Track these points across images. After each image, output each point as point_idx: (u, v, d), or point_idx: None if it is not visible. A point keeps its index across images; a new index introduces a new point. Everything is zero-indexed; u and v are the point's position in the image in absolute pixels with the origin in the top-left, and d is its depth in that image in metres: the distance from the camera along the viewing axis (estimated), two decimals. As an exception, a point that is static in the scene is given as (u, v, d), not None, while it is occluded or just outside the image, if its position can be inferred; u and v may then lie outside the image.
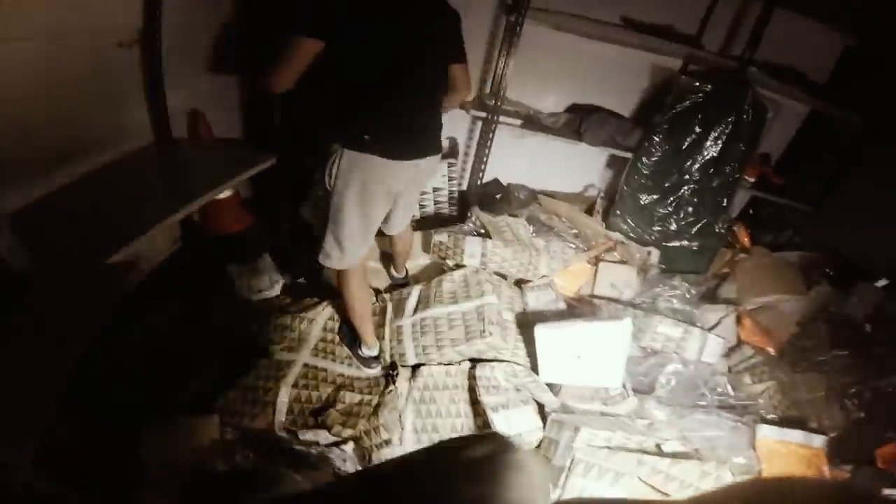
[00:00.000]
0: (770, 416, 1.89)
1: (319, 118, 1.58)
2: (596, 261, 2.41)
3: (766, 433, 1.77)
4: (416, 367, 1.80)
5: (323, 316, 1.93)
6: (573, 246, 2.39)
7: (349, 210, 1.49)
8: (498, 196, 2.63)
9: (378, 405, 1.65)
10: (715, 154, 2.40)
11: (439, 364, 1.80)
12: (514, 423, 1.62)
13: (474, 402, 1.68)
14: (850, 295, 2.42)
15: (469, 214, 2.30)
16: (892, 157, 2.46)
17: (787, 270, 2.64)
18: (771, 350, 2.30)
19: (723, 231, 2.56)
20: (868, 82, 2.37)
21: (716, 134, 2.37)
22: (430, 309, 1.94)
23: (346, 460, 1.48)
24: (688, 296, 2.32)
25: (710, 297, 2.50)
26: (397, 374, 1.78)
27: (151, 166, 1.84)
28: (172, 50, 1.77)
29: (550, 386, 1.78)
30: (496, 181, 2.74)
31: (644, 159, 2.48)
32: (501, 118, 2.46)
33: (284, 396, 1.62)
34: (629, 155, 2.54)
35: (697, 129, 2.37)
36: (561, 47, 2.50)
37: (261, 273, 2.12)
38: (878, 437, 1.86)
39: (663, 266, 2.52)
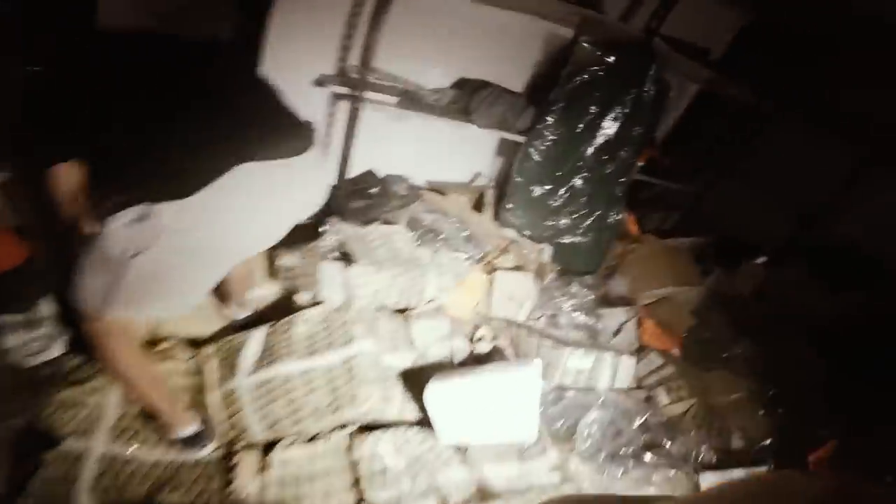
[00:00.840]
0: (703, 451, 1.71)
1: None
2: (491, 269, 2.04)
3: (710, 479, 1.59)
4: (267, 447, 1.30)
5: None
6: (465, 254, 1.99)
7: None
8: (372, 192, 2.09)
9: None
10: (611, 137, 2.17)
11: (298, 442, 1.31)
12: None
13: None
14: (737, 275, 2.43)
15: (324, 228, 1.75)
16: (779, 136, 2.50)
17: (677, 259, 2.55)
18: (675, 350, 2.17)
19: (615, 223, 2.37)
20: (761, 61, 2.26)
21: (614, 114, 2.12)
22: (277, 364, 1.41)
23: None
24: (585, 301, 2.12)
25: (605, 297, 2.30)
26: (236, 466, 1.24)
27: None
28: None
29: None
30: (370, 174, 2.18)
31: (536, 144, 2.16)
32: (371, 95, 1.92)
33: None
34: (521, 139, 2.19)
35: (594, 108, 2.10)
36: (445, 9, 2.01)
37: (36, 326, 1.39)
38: (810, 438, 1.79)
39: (558, 266, 2.28)
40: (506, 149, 2.43)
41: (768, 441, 1.78)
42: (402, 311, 1.76)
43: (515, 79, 2.29)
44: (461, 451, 1.44)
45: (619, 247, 2.49)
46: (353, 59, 1.94)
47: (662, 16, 2.01)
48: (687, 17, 2.16)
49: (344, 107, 1.99)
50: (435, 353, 1.66)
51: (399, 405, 1.48)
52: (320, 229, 1.76)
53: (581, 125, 2.13)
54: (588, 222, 2.30)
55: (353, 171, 2.11)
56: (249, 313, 1.61)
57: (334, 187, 2.02)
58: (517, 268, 2.12)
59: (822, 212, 2.46)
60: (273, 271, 1.69)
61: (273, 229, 1.18)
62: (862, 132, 2.25)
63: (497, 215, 2.31)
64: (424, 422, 1.43)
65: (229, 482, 1.22)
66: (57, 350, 1.41)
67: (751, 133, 2.60)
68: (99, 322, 1.07)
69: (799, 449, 1.75)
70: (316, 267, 1.62)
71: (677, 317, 2.30)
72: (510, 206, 2.25)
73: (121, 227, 1.00)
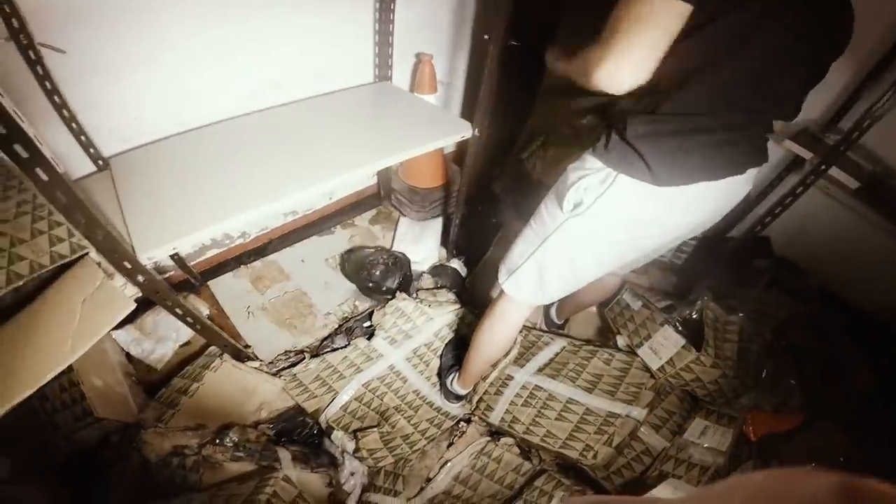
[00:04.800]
0: None
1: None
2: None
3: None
4: (493, 433, 1.48)
5: (445, 319, 1.66)
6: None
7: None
8: (759, 266, 1.73)
9: (422, 452, 1.41)
10: None
11: (513, 446, 1.44)
12: None
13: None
14: None
15: (683, 290, 1.54)
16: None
17: None
18: None
19: None
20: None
21: None
22: (557, 380, 1.49)
23: (355, 473, 1.34)
24: None
25: None
26: (464, 431, 1.47)
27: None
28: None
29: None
30: (767, 243, 1.80)
31: None
32: (835, 170, 1.56)
33: (350, 391, 1.48)
34: None
35: None
36: None
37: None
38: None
39: None
40: None
41: None
42: (699, 399, 1.51)
43: None
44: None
45: None
46: (846, 122, 1.58)
47: None
48: None
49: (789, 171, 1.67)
50: (695, 458, 1.38)
51: (614, 475, 1.38)
52: (678, 290, 1.57)
53: None
54: None
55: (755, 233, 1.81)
56: (563, 325, 1.68)
57: (729, 242, 1.76)
58: None
59: None
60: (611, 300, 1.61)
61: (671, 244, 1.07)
62: None
63: None
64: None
65: (451, 440, 1.43)
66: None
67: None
68: (508, 298, 1.15)
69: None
70: (655, 326, 1.46)
71: None
72: None
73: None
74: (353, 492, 1.30)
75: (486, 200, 1.94)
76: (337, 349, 1.57)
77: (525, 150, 1.34)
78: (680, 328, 1.50)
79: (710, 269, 1.75)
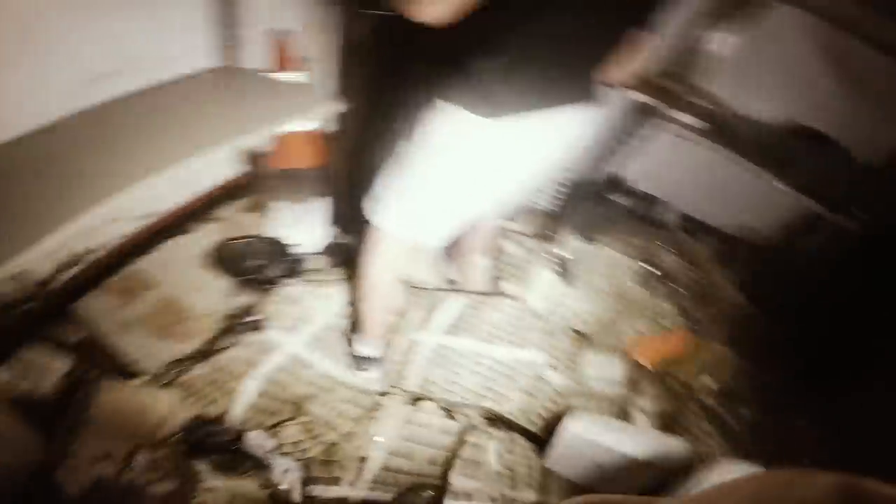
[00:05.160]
0: None
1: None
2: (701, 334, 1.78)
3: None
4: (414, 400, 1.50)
5: (343, 296, 1.64)
6: (681, 311, 1.78)
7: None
8: (622, 203, 1.92)
9: (349, 433, 1.40)
10: None
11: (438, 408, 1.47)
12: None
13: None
14: None
15: (553, 233, 1.67)
16: None
17: None
18: None
19: None
20: None
21: None
22: (462, 337, 1.58)
23: (289, 471, 1.30)
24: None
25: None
26: (381, 406, 1.46)
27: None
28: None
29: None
30: (630, 184, 2.00)
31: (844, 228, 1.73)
32: (677, 114, 1.74)
33: (252, 389, 1.42)
34: (830, 216, 1.79)
35: None
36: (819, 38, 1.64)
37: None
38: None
39: None
40: (802, 214, 1.97)
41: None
42: (585, 334, 1.71)
43: (866, 140, 1.79)
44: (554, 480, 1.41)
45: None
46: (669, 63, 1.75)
47: None
48: None
49: (630, 114, 1.83)
50: (596, 389, 1.61)
51: (534, 418, 1.50)
52: (549, 231, 1.70)
53: None
54: None
55: (609, 172, 1.98)
56: (463, 279, 1.74)
57: (590, 183, 1.91)
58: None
59: None
60: (492, 249, 1.70)
61: (526, 183, 1.18)
62: None
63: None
64: (544, 443, 1.44)
65: (369, 418, 1.43)
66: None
67: None
68: (376, 231, 1.21)
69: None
70: (534, 269, 1.58)
71: None
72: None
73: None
74: (293, 488, 1.27)
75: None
76: (225, 349, 1.48)
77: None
78: (557, 268, 1.64)
79: (578, 210, 1.91)
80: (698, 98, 1.76)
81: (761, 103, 1.82)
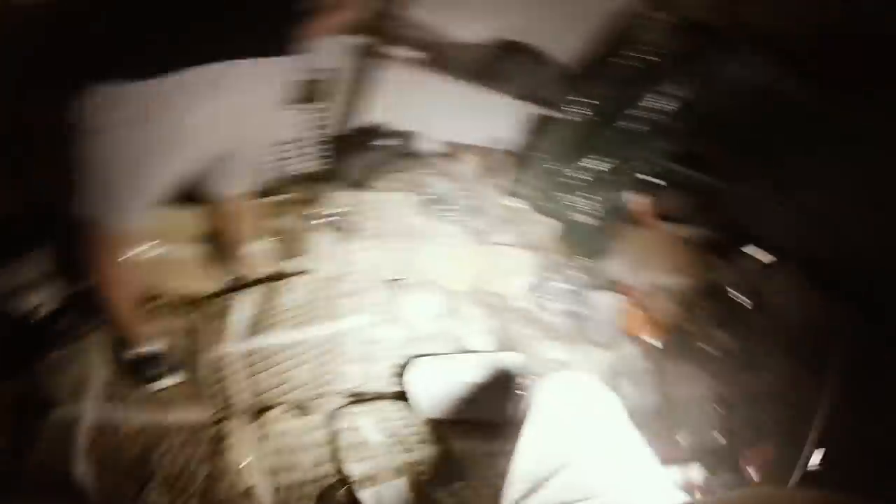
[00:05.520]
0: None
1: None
2: (490, 242, 1.99)
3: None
4: (257, 415, 1.34)
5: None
6: (468, 225, 1.93)
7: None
8: (379, 145, 1.93)
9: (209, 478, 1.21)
10: (648, 123, 2.06)
11: (292, 412, 1.36)
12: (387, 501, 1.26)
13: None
14: (737, 272, 2.35)
15: (319, 192, 1.62)
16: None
17: (680, 248, 2.47)
18: (657, 342, 2.19)
19: (630, 208, 2.32)
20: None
21: (659, 102, 1.99)
22: (267, 333, 1.43)
23: None
24: (579, 285, 2.13)
25: (600, 281, 2.27)
26: (227, 435, 1.27)
27: None
28: None
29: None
30: (380, 126, 2.01)
31: (565, 119, 2.06)
32: (393, 49, 1.78)
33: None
34: (550, 112, 2.10)
35: (637, 92, 1.96)
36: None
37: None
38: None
39: (562, 245, 2.24)
40: (531, 118, 2.28)
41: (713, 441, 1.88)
42: (394, 281, 1.73)
43: (562, 46, 2.08)
44: (437, 426, 1.45)
45: (626, 230, 2.42)
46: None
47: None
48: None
49: (357, 57, 1.81)
50: (424, 329, 1.66)
51: (384, 380, 1.50)
52: (314, 193, 1.64)
53: (619, 108, 2.01)
54: (603, 205, 2.24)
55: (361, 121, 1.95)
56: (242, 273, 1.57)
57: (337, 138, 1.85)
58: (520, 243, 2.07)
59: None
60: (263, 230, 1.57)
61: (234, 132, 1.09)
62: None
63: (509, 185, 2.22)
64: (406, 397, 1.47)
65: (222, 451, 1.24)
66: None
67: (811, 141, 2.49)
68: (87, 231, 1.06)
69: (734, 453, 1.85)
70: (307, 234, 1.52)
71: (667, 307, 2.30)
72: (524, 177, 2.17)
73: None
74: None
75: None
76: None
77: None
78: (337, 227, 1.60)
79: (344, 164, 1.88)
80: (412, 30, 1.82)
81: (469, 27, 1.96)
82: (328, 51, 1.70)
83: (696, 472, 1.78)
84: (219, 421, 1.31)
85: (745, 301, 2.45)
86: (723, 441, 1.91)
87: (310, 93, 1.70)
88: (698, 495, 1.73)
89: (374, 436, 1.34)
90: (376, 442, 1.33)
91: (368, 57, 1.74)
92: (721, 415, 1.95)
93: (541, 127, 2.17)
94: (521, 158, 2.23)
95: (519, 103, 2.13)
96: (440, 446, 1.39)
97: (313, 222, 1.64)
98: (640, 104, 1.99)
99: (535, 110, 2.16)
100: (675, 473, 1.74)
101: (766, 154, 2.57)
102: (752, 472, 1.84)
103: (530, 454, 0.89)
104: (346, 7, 1.11)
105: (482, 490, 1.31)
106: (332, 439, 1.31)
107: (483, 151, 2.27)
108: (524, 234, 2.11)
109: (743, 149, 2.53)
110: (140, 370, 1.29)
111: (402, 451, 1.34)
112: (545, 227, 2.19)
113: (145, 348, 1.29)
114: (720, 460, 1.84)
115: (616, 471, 0.82)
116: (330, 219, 1.60)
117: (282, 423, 1.31)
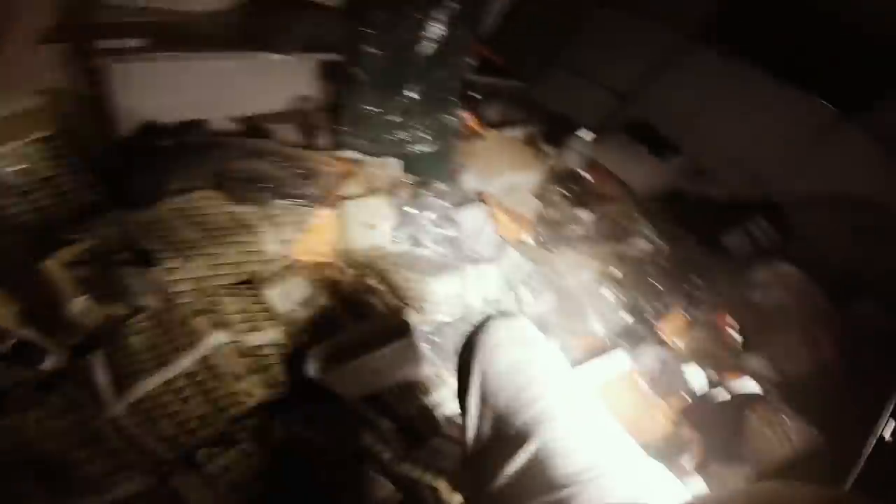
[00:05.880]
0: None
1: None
2: (339, 200, 1.83)
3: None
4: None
5: None
6: (303, 195, 1.72)
7: None
8: (159, 145, 1.61)
9: None
10: (439, 42, 2.06)
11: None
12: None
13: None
14: (567, 152, 2.62)
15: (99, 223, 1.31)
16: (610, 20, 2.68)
17: (516, 147, 2.65)
18: (528, 238, 2.28)
19: (455, 125, 2.32)
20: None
21: (439, 18, 1.99)
22: (136, 385, 1.20)
23: None
24: (442, 211, 2.07)
25: (460, 200, 2.26)
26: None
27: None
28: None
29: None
30: (150, 127, 1.66)
31: (358, 59, 1.97)
32: (106, 42, 1.46)
33: None
34: (340, 57, 1.99)
35: (416, 14, 1.96)
36: None
37: None
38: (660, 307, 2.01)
39: (411, 180, 2.18)
40: (325, 67, 2.12)
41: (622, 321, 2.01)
42: (247, 282, 1.50)
43: None
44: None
45: (463, 146, 2.46)
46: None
47: None
48: None
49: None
50: (303, 317, 1.51)
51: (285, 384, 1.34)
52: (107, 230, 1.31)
53: (405, 34, 1.99)
54: (428, 130, 2.22)
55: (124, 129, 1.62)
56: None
57: (104, 151, 1.51)
58: (368, 191, 1.95)
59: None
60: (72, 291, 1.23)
61: None
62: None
63: (333, 140, 2.09)
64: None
65: None
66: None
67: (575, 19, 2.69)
68: None
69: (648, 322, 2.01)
70: (113, 276, 1.23)
71: (525, 203, 2.42)
72: (345, 127, 2.06)
73: None
74: None
75: None
76: None
77: None
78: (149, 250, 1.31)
79: (129, 179, 1.54)
80: (129, 17, 1.52)
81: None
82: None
83: (623, 358, 1.86)
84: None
85: (588, 176, 2.71)
86: (630, 319, 2.03)
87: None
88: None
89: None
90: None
91: (89, 59, 1.42)
92: (619, 298, 2.08)
93: (339, 74, 2.03)
94: (334, 110, 2.08)
95: (305, 56, 1.95)
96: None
97: (119, 260, 1.32)
98: (421, 27, 1.99)
99: (324, 58, 2.01)
100: (605, 364, 1.82)
101: (550, 49, 2.84)
102: (675, 341, 2.00)
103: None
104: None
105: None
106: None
107: (293, 114, 2.08)
108: (371, 182, 1.99)
109: (529, 49, 2.82)
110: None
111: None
112: (388, 168, 2.10)
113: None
114: (639, 338, 1.95)
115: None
116: (122, 253, 1.29)
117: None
